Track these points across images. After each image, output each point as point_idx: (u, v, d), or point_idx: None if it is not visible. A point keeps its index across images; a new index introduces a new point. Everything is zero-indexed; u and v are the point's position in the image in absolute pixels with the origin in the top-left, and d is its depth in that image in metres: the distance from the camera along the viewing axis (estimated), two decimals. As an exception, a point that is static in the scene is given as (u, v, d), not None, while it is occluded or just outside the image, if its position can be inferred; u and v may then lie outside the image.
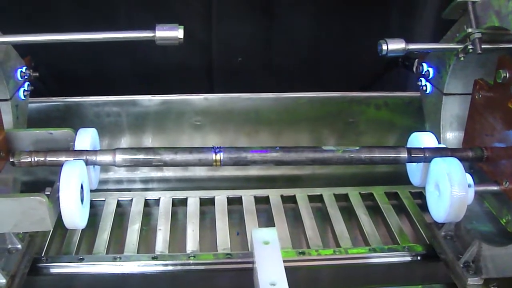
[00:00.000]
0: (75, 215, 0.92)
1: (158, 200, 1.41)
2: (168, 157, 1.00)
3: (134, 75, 1.63)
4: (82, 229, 1.28)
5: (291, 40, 1.62)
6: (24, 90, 1.20)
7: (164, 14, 1.53)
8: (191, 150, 1.02)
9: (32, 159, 0.99)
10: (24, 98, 1.20)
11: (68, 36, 0.97)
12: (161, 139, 1.47)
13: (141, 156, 1.00)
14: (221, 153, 1.01)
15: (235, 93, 1.47)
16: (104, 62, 1.55)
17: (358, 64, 1.58)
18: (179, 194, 1.43)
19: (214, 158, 1.01)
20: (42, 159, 0.99)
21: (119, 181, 1.51)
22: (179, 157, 1.00)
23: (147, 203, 1.41)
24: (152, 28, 0.93)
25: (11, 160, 1.00)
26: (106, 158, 1.00)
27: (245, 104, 1.47)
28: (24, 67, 1.19)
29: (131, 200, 1.41)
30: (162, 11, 1.54)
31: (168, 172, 1.50)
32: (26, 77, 1.20)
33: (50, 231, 1.25)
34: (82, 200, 0.95)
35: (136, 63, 1.60)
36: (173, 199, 1.41)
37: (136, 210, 1.37)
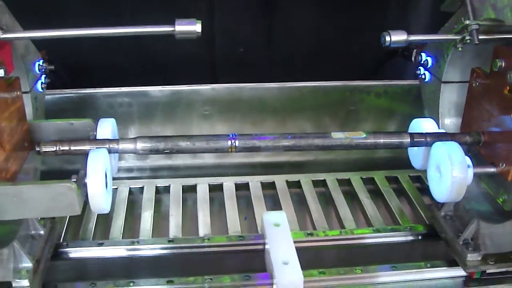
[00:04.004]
0: (101, 199, 0.98)
1: (168, 187, 1.47)
2: (186, 144, 1.06)
3: (140, 67, 1.67)
4: (97, 216, 1.34)
5: (292, 31, 1.66)
6: (42, 82, 1.25)
7: (167, 7, 1.57)
8: (208, 138, 1.07)
9: (57, 148, 1.04)
10: (41, 91, 1.25)
11: (88, 30, 1.01)
12: (171, 128, 1.52)
13: (161, 144, 1.06)
14: (236, 140, 1.07)
15: (240, 83, 1.53)
16: (111, 54, 1.58)
17: (358, 54, 1.63)
18: (188, 181, 1.49)
19: (229, 145, 1.07)
20: (67, 148, 1.04)
21: (129, 170, 1.56)
22: (197, 144, 1.06)
23: (158, 190, 1.46)
24: (172, 23, 0.98)
25: (37, 149, 1.05)
26: (128, 146, 1.05)
27: (251, 94, 1.53)
28: (41, 60, 1.24)
29: (142, 188, 1.46)
30: (166, 3, 1.58)
31: (177, 160, 1.55)
32: (43, 70, 1.25)
33: (67, 218, 1.31)
34: (106, 185, 1.01)
35: (142, 55, 1.64)
36: (182, 186, 1.47)
37: (148, 197, 1.43)
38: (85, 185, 0.98)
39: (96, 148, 1.04)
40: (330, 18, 1.63)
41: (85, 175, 0.97)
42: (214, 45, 1.67)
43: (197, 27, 0.98)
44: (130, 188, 1.46)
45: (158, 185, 1.47)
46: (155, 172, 1.56)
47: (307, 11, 1.64)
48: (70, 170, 1.41)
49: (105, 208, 1.01)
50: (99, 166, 0.98)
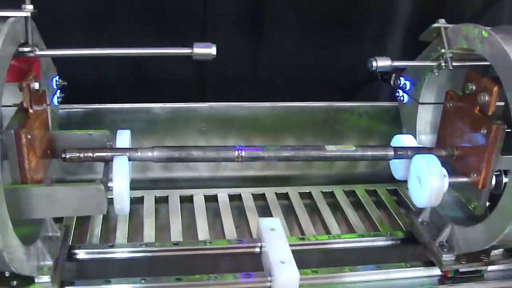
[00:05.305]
0: (126, 201, 1.09)
1: (167, 197, 1.58)
2: (198, 154, 1.18)
3: (133, 86, 1.76)
4: (102, 222, 1.44)
5: (277, 56, 1.79)
6: (58, 97, 1.36)
7: (161, 29, 1.67)
8: (217, 148, 1.20)
9: (82, 155, 1.14)
10: (57, 104, 1.36)
11: (115, 50, 1.11)
12: (170, 142, 1.61)
13: (176, 153, 1.18)
14: (243, 151, 1.20)
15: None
16: (105, 72, 1.68)
17: (339, 77, 1.77)
18: (185, 192, 1.60)
19: (236, 155, 1.19)
20: (90, 155, 1.14)
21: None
22: (208, 154, 1.18)
23: (157, 200, 1.57)
24: (190, 46, 1.11)
25: (62, 156, 1.15)
26: (146, 154, 1.16)
27: (245, 112, 1.65)
28: (57, 76, 1.34)
29: (142, 198, 1.57)
30: (160, 26, 1.69)
31: (175, 173, 1.65)
32: (58, 85, 1.35)
33: (74, 223, 1.40)
34: (128, 189, 1.12)
35: (135, 75, 1.74)
36: (180, 196, 1.58)
37: (148, 206, 1.53)
38: (109, 188, 1.08)
39: (119, 155, 1.15)
40: (312, 45, 1.75)
41: (111, 179, 1.08)
42: (205, 67, 1.77)
43: (212, 50, 1.10)
44: (130, 197, 1.55)
45: (157, 195, 1.58)
46: (154, 183, 1.65)
47: (291, 38, 1.77)
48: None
49: (127, 210, 1.12)
50: (124, 170, 1.09)
